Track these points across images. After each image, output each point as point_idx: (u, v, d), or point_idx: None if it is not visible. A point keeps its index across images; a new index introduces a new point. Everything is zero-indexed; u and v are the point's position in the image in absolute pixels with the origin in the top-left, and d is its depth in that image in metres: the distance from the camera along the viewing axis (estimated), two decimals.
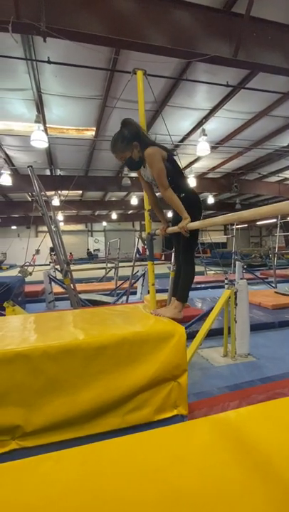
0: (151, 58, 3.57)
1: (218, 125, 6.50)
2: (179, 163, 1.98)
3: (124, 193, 13.04)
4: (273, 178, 11.23)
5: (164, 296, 4.46)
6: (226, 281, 3.12)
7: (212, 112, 5.84)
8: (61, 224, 13.38)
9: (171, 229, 2.06)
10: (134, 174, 9.37)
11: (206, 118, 6.08)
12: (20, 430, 1.33)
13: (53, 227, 3.59)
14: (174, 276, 2.05)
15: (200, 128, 6.25)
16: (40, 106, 5.29)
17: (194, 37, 3.45)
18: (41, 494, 0.92)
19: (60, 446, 1.30)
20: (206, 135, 6.09)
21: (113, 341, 1.48)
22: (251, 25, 3.53)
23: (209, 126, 6.32)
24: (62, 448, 1.19)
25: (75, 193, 12.73)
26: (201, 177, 10.59)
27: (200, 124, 6.29)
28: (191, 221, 1.79)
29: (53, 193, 10.54)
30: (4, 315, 3.17)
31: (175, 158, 1.95)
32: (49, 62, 3.76)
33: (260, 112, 5.93)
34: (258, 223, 19.58)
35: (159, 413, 1.53)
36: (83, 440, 1.37)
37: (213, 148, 7.40)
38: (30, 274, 3.66)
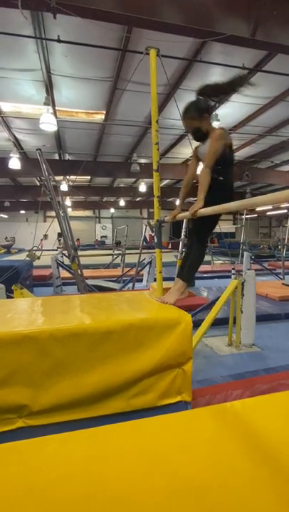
0: (165, 38, 3.43)
1: (232, 110, 6.28)
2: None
3: (133, 180, 12.89)
4: (286, 168, 10.91)
5: (170, 284, 4.46)
6: (233, 272, 3.10)
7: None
8: (69, 210, 13.39)
9: (181, 215, 2.03)
10: (143, 160, 9.22)
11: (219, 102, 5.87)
12: (27, 409, 1.37)
13: (61, 212, 3.58)
14: (183, 258, 2.06)
15: (213, 113, 6.05)
16: (49, 87, 5.18)
17: (210, 15, 3.28)
18: (46, 475, 0.95)
19: (66, 427, 1.33)
20: (218, 120, 5.91)
21: (119, 327, 1.48)
22: (271, 2, 3.33)
23: (222, 111, 6.11)
24: (68, 428, 1.22)
25: (84, 179, 12.64)
26: None
27: (213, 108, 6.09)
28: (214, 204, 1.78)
29: (61, 177, 10.49)
30: (13, 297, 3.22)
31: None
32: (59, 41, 3.65)
33: (276, 97, 5.70)
34: (268, 213, 19.23)
35: (163, 399, 1.55)
36: (88, 422, 1.40)
37: None
38: (38, 258, 3.69)
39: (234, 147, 7.38)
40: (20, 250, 16.71)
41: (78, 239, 17.15)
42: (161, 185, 2.59)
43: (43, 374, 1.39)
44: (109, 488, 0.90)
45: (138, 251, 5.97)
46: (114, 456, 1.04)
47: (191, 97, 6.12)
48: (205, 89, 1.90)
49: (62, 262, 5.87)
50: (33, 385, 1.37)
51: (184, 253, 2.13)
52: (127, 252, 7.49)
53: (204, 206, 1.81)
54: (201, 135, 1.95)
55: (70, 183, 10.92)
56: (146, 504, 0.85)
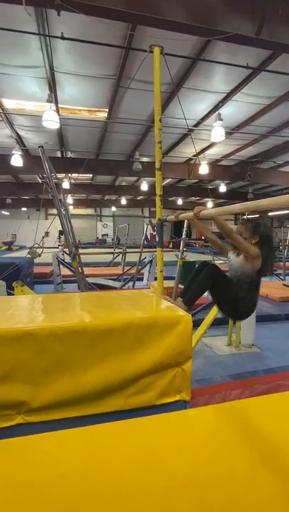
0: (169, 36, 3.41)
1: (235, 110, 6.26)
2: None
3: (135, 178, 12.87)
4: (288, 168, 10.87)
5: (171, 283, 4.46)
6: None
7: (229, 95, 5.61)
8: (70, 207, 13.38)
9: (184, 215, 2.03)
10: (145, 159, 9.20)
11: (222, 102, 5.85)
12: (26, 406, 1.37)
13: (62, 210, 3.58)
14: (190, 279, 2.03)
15: (216, 112, 6.03)
16: (52, 85, 5.17)
17: (215, 13, 3.26)
18: (44, 472, 0.95)
19: (65, 424, 1.34)
20: (221, 120, 5.88)
21: (119, 325, 1.48)
22: (276, 1, 3.31)
23: (225, 110, 6.09)
24: (67, 426, 1.23)
25: (85, 177, 12.63)
26: (214, 164, 10.33)
27: (216, 108, 6.07)
28: (237, 315, 2.03)
29: (63, 175, 10.48)
30: (13, 294, 3.23)
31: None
32: (63, 38, 3.64)
33: (280, 97, 5.67)
34: (269, 214, 19.16)
35: (162, 397, 1.55)
36: (87, 419, 1.40)
37: (229, 134, 7.16)
38: (39, 255, 3.69)
39: (237, 147, 7.34)
40: (22, 247, 16.74)
41: (79, 240, 17.19)
42: (163, 184, 2.58)
43: (42, 371, 1.39)
44: (108, 485, 0.90)
45: (139, 250, 5.97)
46: (112, 454, 1.04)
47: (194, 96, 6.05)
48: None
49: (63, 260, 5.87)
50: (32, 382, 1.37)
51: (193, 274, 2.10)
52: (128, 250, 7.49)
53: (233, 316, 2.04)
54: None
55: (72, 181, 10.91)
56: (144, 502, 0.85)
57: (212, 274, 1.92)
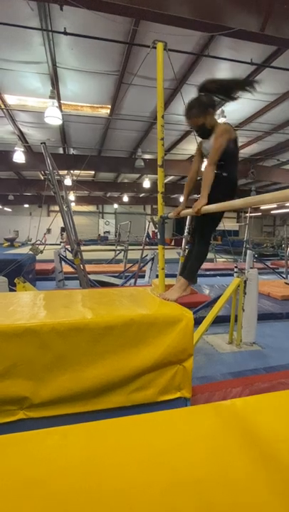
0: (172, 32, 3.38)
1: (239, 106, 6.20)
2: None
3: (137, 176, 12.83)
4: None
5: (172, 280, 4.45)
6: (235, 270, 3.09)
7: None
8: (72, 204, 13.36)
9: (185, 212, 2.02)
10: (147, 156, 9.17)
11: None
12: (27, 401, 1.38)
13: (64, 207, 3.58)
14: (186, 257, 2.04)
15: (219, 109, 5.99)
16: (55, 81, 5.15)
17: (219, 8, 3.22)
18: (45, 468, 0.95)
19: (66, 420, 1.35)
20: (225, 117, 5.84)
21: (121, 322, 1.49)
22: None
23: (229, 107, 6.02)
24: (68, 421, 1.23)
25: (88, 173, 12.61)
26: None
27: (219, 104, 6.02)
28: (217, 201, 1.80)
29: (65, 172, 10.47)
30: (15, 291, 3.24)
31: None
32: (65, 33, 3.62)
33: (284, 94, 5.62)
34: (272, 212, 19.09)
35: (163, 394, 1.56)
36: (88, 415, 1.41)
37: None
38: (41, 252, 3.70)
39: (240, 144, 7.26)
40: (24, 244, 16.80)
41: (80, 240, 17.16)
42: (166, 181, 2.57)
43: (44, 367, 1.39)
44: (108, 481, 0.91)
45: (141, 247, 5.96)
46: (113, 451, 1.04)
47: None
48: (207, 85, 1.85)
49: (65, 257, 5.88)
50: (34, 378, 1.38)
51: (186, 250, 2.09)
52: (130, 248, 7.49)
53: (208, 203, 1.78)
54: (206, 132, 1.91)
55: (74, 178, 10.90)
56: (145, 498, 0.85)
57: (205, 247, 1.96)
